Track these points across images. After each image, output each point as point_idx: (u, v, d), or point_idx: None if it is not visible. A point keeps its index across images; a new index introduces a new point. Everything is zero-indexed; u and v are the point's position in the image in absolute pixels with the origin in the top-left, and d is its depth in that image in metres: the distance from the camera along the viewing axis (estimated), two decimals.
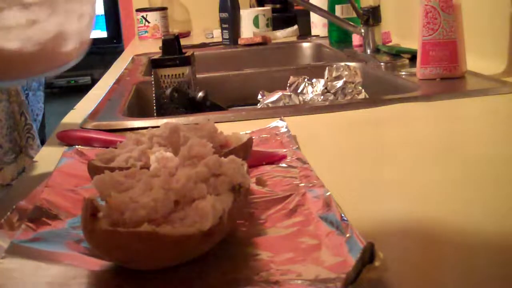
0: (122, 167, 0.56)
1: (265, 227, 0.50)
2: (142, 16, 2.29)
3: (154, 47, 1.86)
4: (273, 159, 0.67)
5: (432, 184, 0.58)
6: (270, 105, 1.08)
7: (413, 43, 1.17)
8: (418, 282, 0.40)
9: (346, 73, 1.07)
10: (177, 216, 0.43)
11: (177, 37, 1.13)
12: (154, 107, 1.11)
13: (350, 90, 1.06)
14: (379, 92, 1.14)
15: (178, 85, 1.09)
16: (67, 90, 4.86)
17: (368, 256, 0.37)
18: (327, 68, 1.10)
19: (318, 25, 1.87)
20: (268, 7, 2.14)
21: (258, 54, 1.78)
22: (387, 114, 0.86)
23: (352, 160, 0.68)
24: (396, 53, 1.29)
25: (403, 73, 1.13)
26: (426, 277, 0.40)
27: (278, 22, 2.10)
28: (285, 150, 0.69)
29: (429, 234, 0.47)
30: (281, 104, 1.08)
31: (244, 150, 0.62)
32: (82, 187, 0.61)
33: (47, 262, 0.45)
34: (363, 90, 1.08)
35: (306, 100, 1.09)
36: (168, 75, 1.10)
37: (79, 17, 0.46)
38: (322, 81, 1.09)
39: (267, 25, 2.06)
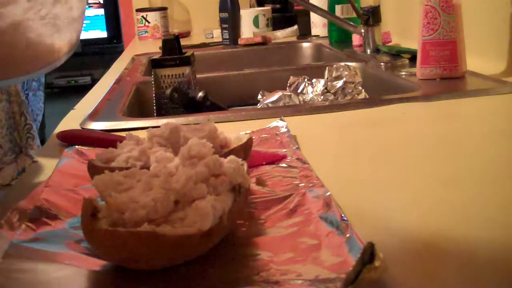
0: (122, 167, 0.56)
1: (265, 227, 0.49)
2: (142, 16, 2.29)
3: (154, 47, 1.86)
4: (273, 159, 0.67)
5: (432, 184, 0.58)
6: (270, 105, 1.08)
7: (413, 43, 1.17)
8: (418, 282, 0.40)
9: (346, 73, 1.07)
10: (177, 216, 0.43)
11: (177, 37, 1.13)
12: (154, 107, 1.11)
13: (350, 90, 1.07)
14: (379, 92, 1.14)
15: (178, 85, 1.09)
16: (67, 90, 4.87)
17: (368, 256, 0.37)
18: (327, 68, 1.10)
19: (318, 25, 1.87)
20: (268, 7, 2.14)
21: (258, 54, 1.78)
22: (387, 114, 0.86)
23: (352, 160, 0.68)
24: (396, 53, 1.29)
25: (403, 73, 1.13)
26: (426, 277, 0.40)
27: (278, 22, 2.11)
28: (285, 150, 0.69)
29: (429, 234, 0.47)
30: (281, 104, 1.08)
31: (244, 150, 0.62)
32: (82, 187, 0.61)
33: (47, 262, 0.45)
34: (363, 90, 1.08)
35: (306, 100, 1.09)
36: (168, 75, 1.10)
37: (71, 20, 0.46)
38: (322, 81, 1.09)
39: (267, 25, 2.06)
